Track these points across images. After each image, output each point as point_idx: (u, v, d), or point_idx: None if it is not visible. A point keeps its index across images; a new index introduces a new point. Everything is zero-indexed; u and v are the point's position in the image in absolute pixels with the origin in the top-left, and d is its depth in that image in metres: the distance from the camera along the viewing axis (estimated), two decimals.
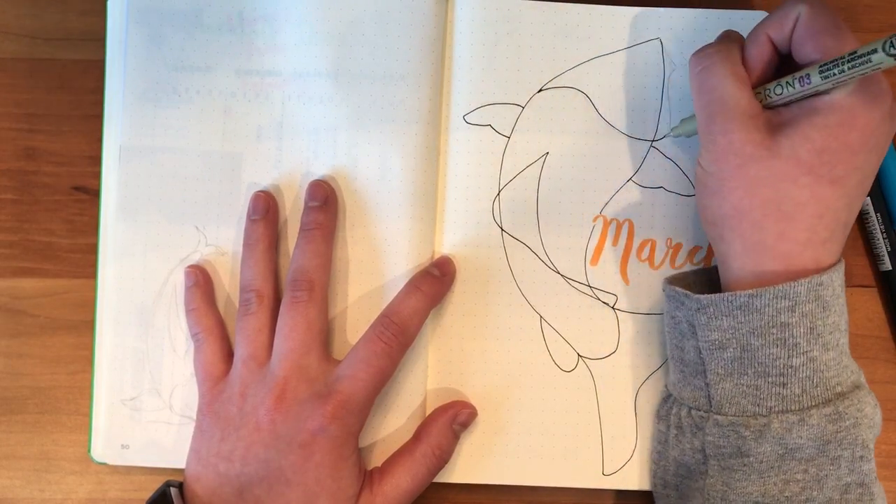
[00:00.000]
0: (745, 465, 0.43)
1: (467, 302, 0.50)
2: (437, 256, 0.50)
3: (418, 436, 0.48)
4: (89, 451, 0.50)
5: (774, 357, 0.42)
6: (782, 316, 0.41)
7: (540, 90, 0.50)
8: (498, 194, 0.50)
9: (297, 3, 0.50)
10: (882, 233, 0.52)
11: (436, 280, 0.49)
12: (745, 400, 0.42)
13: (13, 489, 0.51)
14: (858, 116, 0.40)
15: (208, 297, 0.50)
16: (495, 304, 0.50)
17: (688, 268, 0.50)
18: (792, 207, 0.41)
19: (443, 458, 0.48)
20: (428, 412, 0.50)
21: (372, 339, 0.46)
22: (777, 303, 0.41)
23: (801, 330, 0.41)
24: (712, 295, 0.43)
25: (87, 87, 0.52)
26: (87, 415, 0.51)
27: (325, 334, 0.47)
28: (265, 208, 0.49)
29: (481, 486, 0.51)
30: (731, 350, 0.42)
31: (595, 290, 0.50)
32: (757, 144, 0.41)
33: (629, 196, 0.51)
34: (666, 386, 0.49)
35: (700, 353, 0.44)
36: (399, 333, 0.46)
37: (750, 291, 0.41)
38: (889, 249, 0.52)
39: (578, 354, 0.50)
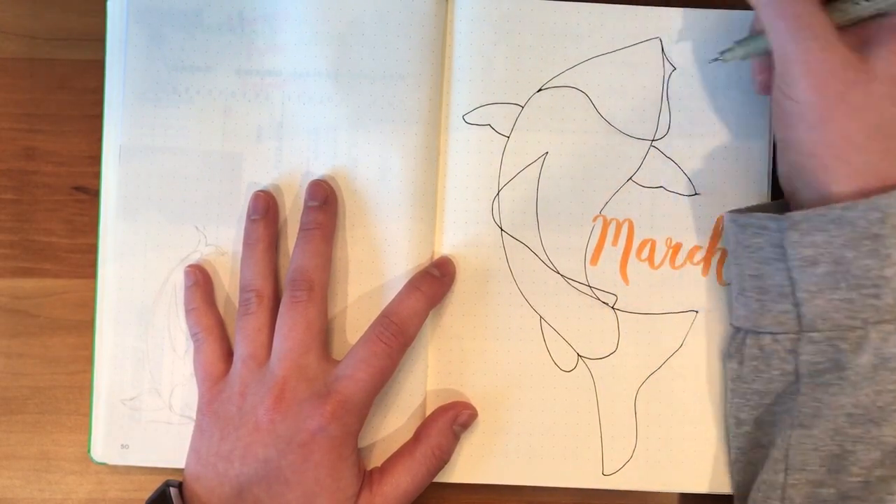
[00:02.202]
0: (841, 378, 0.43)
1: (467, 302, 0.50)
2: (436, 256, 0.50)
3: (418, 436, 0.48)
4: (89, 451, 0.50)
5: (868, 269, 0.42)
6: (874, 227, 0.41)
7: (539, 90, 0.50)
8: (497, 194, 0.50)
9: (297, 3, 0.50)
10: None
11: (435, 280, 0.49)
12: (838, 314, 0.43)
13: (13, 489, 0.51)
14: None
15: (208, 296, 0.50)
16: (495, 304, 0.50)
17: (688, 267, 0.50)
18: (894, 126, 0.42)
19: (443, 458, 0.48)
20: (428, 412, 0.50)
21: (371, 339, 0.46)
22: (869, 214, 0.41)
23: (893, 241, 0.41)
24: (805, 211, 0.43)
25: (87, 87, 0.52)
26: (87, 415, 0.51)
27: (324, 334, 0.47)
28: (265, 208, 0.49)
29: (481, 486, 0.51)
30: (824, 265, 0.43)
31: (595, 290, 0.50)
32: (856, 69, 0.41)
33: (629, 196, 0.51)
34: (731, 324, 0.49)
35: (790, 273, 0.44)
36: (399, 333, 0.46)
37: (844, 204, 0.41)
38: None
39: (578, 354, 0.50)
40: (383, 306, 0.48)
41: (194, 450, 0.47)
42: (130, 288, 0.50)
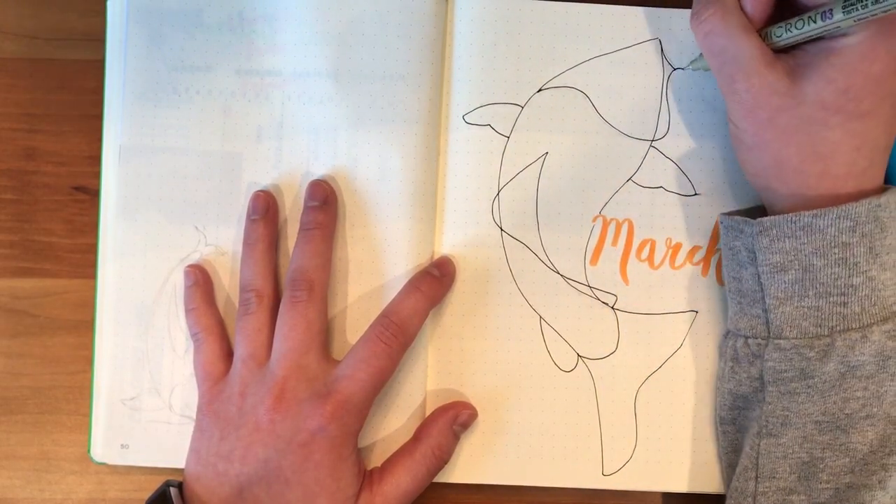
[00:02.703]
0: (808, 386, 0.43)
1: (467, 302, 0.50)
2: (437, 256, 0.50)
3: (418, 436, 0.48)
4: (89, 451, 0.50)
5: (836, 276, 0.42)
6: (843, 236, 0.42)
7: (539, 90, 0.50)
8: (497, 194, 0.50)
9: (297, 2, 0.50)
10: None
11: (435, 280, 0.49)
12: (805, 322, 0.43)
13: (13, 489, 0.51)
14: (879, 47, 0.40)
15: (208, 296, 0.50)
16: (495, 304, 0.50)
17: (688, 267, 0.50)
18: (828, 148, 0.42)
19: (443, 458, 0.48)
20: (428, 412, 0.50)
21: (371, 339, 0.46)
22: (839, 223, 0.41)
23: (861, 249, 0.42)
24: (775, 217, 0.43)
25: (87, 87, 0.52)
26: (87, 415, 0.51)
27: (324, 334, 0.47)
28: (265, 208, 0.49)
29: (481, 486, 0.51)
30: (793, 272, 0.43)
31: (595, 290, 0.50)
32: (782, 94, 0.42)
33: (629, 196, 0.51)
34: (727, 324, 0.49)
35: (759, 278, 0.44)
36: (399, 333, 0.46)
37: (813, 212, 0.42)
38: None
39: (578, 354, 0.50)
40: (383, 306, 0.48)
41: (194, 450, 0.47)
42: (130, 288, 0.50)
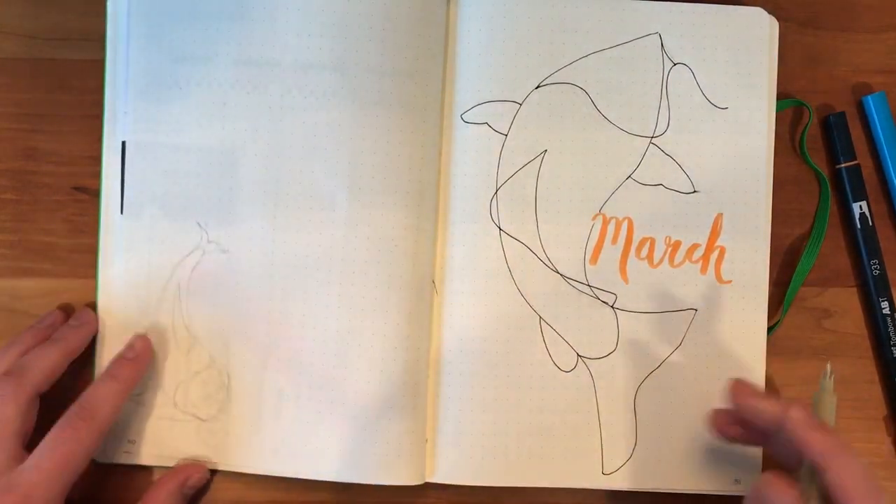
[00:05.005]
0: None
1: (465, 303, 0.50)
2: (438, 256, 0.50)
3: (145, 501, 0.48)
4: None
5: None
6: None
7: (538, 86, 0.50)
8: (495, 193, 0.50)
9: None
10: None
11: (129, 363, 0.49)
12: None
13: None
14: None
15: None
16: (494, 304, 0.50)
17: (687, 265, 0.50)
18: None
19: None
20: (428, 414, 0.50)
21: (61, 425, 0.45)
22: None
23: None
24: None
25: (87, 87, 0.52)
26: None
27: (19, 434, 0.46)
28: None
29: (481, 488, 0.50)
30: None
31: (594, 290, 0.50)
32: None
33: (628, 194, 0.50)
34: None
35: None
36: (88, 418, 0.46)
37: None
38: None
39: (578, 354, 0.50)
40: (384, 305, 0.48)
41: None
42: (134, 284, 0.50)
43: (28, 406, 0.46)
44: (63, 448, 0.45)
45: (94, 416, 0.46)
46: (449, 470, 0.49)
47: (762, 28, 0.51)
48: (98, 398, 0.47)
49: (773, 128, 0.51)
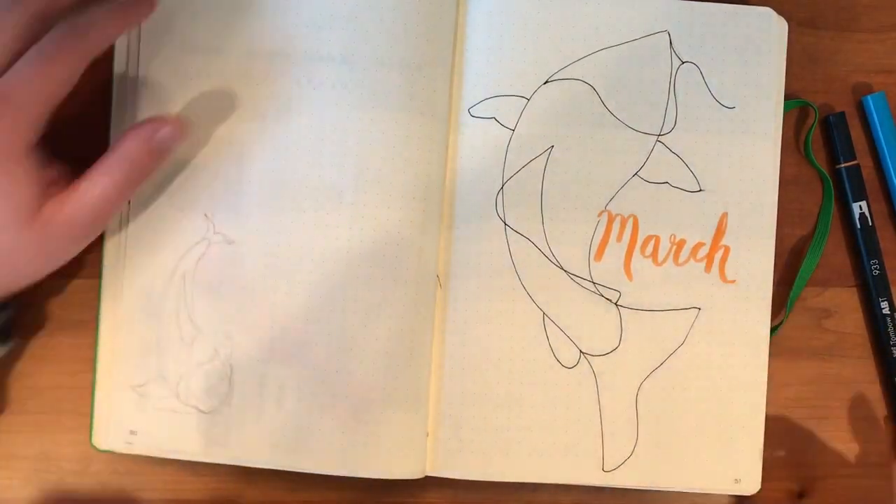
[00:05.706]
0: None
1: (469, 297, 0.50)
2: (442, 251, 0.50)
3: (113, 146, 0.46)
4: (91, 439, 0.50)
5: None
6: None
7: (546, 82, 0.50)
8: (501, 188, 0.50)
9: None
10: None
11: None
12: None
13: (13, 489, 0.51)
14: None
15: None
16: (498, 299, 0.50)
17: (691, 264, 0.50)
18: None
19: (142, 167, 0.45)
20: (431, 411, 0.50)
21: (47, 44, 0.42)
22: None
23: None
24: None
25: (96, 76, 0.51)
26: (88, 415, 0.50)
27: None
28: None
29: (481, 484, 0.51)
30: None
31: (598, 286, 0.50)
32: None
33: (634, 191, 0.50)
34: None
35: None
36: (81, 45, 0.43)
37: None
38: None
39: (580, 350, 0.50)
40: (388, 300, 0.47)
41: None
42: (139, 275, 0.50)
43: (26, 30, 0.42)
44: (49, 64, 0.42)
45: (84, 38, 0.43)
46: (450, 464, 0.50)
47: (771, 28, 0.50)
48: (93, 23, 0.43)
49: (781, 128, 0.51)
